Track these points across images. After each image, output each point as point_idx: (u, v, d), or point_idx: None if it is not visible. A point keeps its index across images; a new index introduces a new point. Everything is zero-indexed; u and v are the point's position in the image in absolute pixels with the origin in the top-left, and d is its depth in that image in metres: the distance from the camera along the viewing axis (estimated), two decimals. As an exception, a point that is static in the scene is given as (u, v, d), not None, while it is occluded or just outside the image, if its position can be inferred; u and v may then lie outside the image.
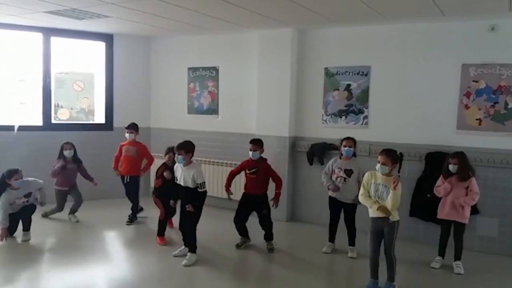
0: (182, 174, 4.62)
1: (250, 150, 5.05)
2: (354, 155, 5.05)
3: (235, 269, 4.75)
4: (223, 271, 4.56)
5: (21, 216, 5.24)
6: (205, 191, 4.67)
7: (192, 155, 4.68)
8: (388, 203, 3.86)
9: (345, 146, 4.95)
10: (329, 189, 5.02)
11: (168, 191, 5.12)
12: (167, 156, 5.42)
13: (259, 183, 5.07)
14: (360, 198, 4.10)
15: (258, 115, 6.55)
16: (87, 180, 6.18)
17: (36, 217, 5.43)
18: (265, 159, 5.15)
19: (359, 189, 4.19)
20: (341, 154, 5.01)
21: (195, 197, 4.59)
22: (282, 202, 6.30)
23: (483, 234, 5.24)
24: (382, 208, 3.91)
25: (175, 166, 4.81)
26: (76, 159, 6.06)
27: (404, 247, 5.28)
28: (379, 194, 3.95)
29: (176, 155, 4.64)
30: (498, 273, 4.72)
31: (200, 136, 7.06)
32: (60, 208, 6.09)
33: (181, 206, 4.72)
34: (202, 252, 4.80)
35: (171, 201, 5.00)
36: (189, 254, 4.66)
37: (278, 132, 6.34)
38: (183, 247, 4.82)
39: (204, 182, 4.63)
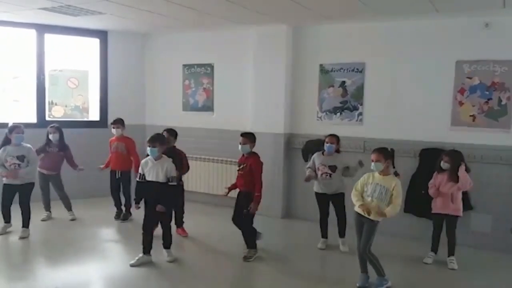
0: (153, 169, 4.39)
1: (240, 144, 4.75)
2: (338, 151, 5.09)
3: (228, 264, 4.73)
4: (217, 266, 4.58)
5: (19, 191, 5.18)
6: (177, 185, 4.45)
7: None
8: (388, 210, 3.86)
9: (327, 143, 5.00)
10: (306, 178, 5.06)
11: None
12: None
13: (245, 180, 4.70)
14: (352, 194, 4.13)
15: (253, 112, 6.55)
16: (72, 167, 6.01)
17: (33, 216, 5.40)
18: (256, 155, 4.75)
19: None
20: (324, 150, 5.06)
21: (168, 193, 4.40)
22: (278, 199, 6.38)
23: (477, 230, 5.27)
24: (365, 206, 3.93)
25: (143, 161, 4.53)
26: (61, 144, 5.89)
27: (398, 243, 5.33)
28: (377, 195, 3.92)
29: (149, 147, 4.36)
30: (491, 268, 4.76)
31: (195, 133, 7.07)
32: (43, 191, 5.96)
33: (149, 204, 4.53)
34: (198, 248, 4.80)
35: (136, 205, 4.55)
36: (166, 250, 4.65)
37: (273, 129, 6.35)
38: (141, 254, 4.51)
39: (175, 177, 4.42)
